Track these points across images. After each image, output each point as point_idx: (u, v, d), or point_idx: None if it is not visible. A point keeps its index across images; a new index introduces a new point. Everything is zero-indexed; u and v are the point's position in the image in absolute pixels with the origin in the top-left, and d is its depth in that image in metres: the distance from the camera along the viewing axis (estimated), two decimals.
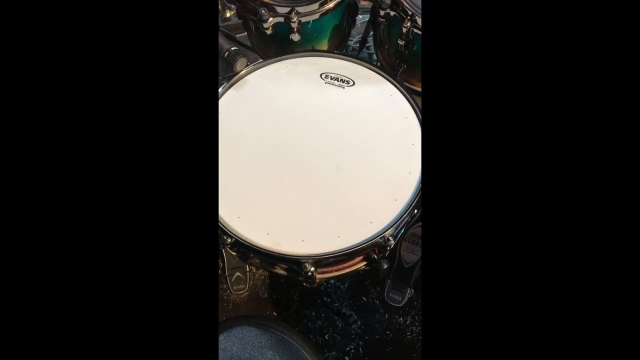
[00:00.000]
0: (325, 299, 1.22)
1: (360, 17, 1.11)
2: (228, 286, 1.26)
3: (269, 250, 0.70)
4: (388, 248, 0.71)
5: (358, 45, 1.39)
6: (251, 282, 1.28)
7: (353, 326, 1.18)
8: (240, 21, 1.06)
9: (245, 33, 1.08)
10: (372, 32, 1.15)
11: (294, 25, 0.88)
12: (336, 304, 1.21)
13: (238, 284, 1.26)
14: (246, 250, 0.72)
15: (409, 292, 1.16)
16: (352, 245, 0.70)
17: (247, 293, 1.27)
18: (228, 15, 1.05)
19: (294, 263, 0.71)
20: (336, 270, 0.78)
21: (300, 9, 0.87)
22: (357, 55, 0.92)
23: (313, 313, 1.22)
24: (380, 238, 0.70)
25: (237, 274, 1.27)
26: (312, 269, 0.69)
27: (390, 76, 0.88)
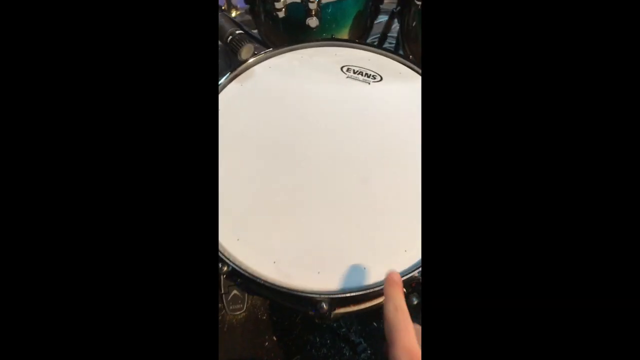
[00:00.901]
0: (331, 323, 1.14)
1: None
2: (224, 305, 1.17)
3: (274, 285, 0.58)
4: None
5: (376, 43, 1.33)
6: (249, 301, 1.21)
7: (362, 355, 1.11)
8: (248, 19, 1.00)
9: (255, 30, 1.03)
10: (394, 25, 1.09)
11: (312, 7, 0.80)
12: (343, 329, 1.15)
13: (235, 304, 1.18)
14: (246, 281, 0.61)
15: None
16: (382, 281, 0.57)
17: (244, 314, 1.20)
18: (234, 14, 1.05)
19: (306, 301, 0.59)
20: (354, 305, 0.65)
21: None
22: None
23: (317, 339, 1.15)
24: (417, 271, 0.58)
25: (235, 292, 1.19)
26: (328, 307, 0.58)
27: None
